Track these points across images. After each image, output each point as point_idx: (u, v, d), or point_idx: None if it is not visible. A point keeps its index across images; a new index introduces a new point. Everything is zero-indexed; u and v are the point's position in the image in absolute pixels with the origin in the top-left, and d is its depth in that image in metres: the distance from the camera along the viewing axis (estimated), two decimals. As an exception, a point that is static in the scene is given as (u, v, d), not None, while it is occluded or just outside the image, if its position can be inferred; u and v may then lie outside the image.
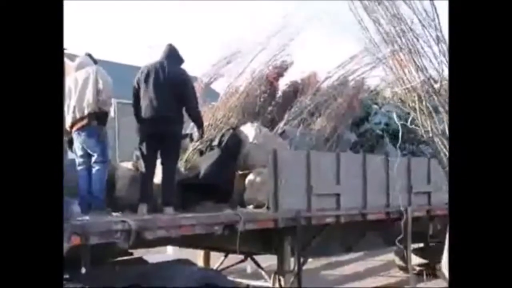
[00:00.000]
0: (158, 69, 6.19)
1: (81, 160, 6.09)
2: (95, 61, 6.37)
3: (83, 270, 4.51)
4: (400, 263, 10.37)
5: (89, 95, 6.01)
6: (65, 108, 6.06)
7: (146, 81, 6.17)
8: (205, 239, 5.93)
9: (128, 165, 6.86)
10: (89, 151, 6.05)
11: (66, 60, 4.53)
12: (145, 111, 6.14)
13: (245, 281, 7.48)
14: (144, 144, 6.19)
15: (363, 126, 8.16)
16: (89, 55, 6.38)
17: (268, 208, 6.08)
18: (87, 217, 4.94)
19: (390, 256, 10.79)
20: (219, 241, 6.13)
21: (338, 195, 6.79)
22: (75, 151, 6.16)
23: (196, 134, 6.64)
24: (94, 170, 6.01)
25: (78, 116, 6.03)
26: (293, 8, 7.99)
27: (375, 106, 8.35)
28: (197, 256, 7.71)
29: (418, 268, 9.81)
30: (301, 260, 6.40)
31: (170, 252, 8.98)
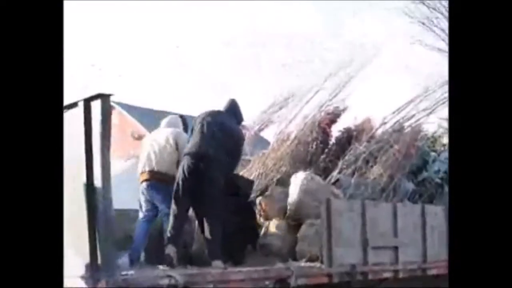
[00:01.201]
0: (217, 119, 6.13)
1: (145, 212, 6.09)
2: (185, 124, 6.60)
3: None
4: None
5: (171, 157, 6.19)
6: (144, 153, 6.22)
7: (202, 126, 6.05)
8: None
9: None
10: (157, 204, 6.06)
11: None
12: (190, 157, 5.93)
13: None
14: (179, 193, 5.89)
15: (421, 174, 7.76)
16: (181, 117, 6.69)
17: (321, 262, 5.75)
18: (132, 272, 4.72)
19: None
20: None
21: (395, 248, 6.41)
22: (140, 202, 6.18)
23: None
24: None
25: (156, 169, 6.10)
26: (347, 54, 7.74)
27: (433, 154, 7.96)
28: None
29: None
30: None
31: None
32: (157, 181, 6.15)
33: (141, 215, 6.16)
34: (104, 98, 4.45)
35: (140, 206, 6.22)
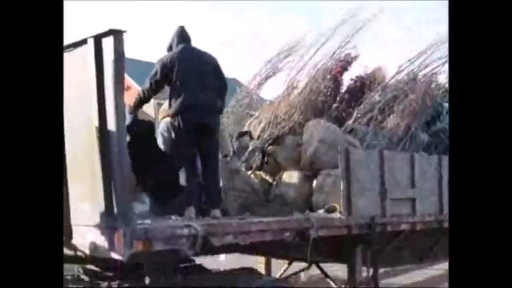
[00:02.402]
0: (194, 55, 5.59)
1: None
2: None
3: (147, 280, 4.02)
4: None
5: None
6: None
7: (179, 68, 5.42)
8: (271, 245, 5.38)
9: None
10: None
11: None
12: (182, 101, 5.37)
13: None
14: (181, 140, 5.43)
15: (434, 125, 7.49)
16: None
17: (340, 213, 5.52)
18: (148, 221, 4.44)
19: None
20: (284, 247, 5.61)
21: (413, 199, 6.20)
22: None
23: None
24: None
25: None
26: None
27: (446, 105, 7.66)
28: (253, 263, 7.19)
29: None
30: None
31: (222, 258, 8.46)
32: None
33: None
34: (117, 34, 4.09)
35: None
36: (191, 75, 5.41)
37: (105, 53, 4.14)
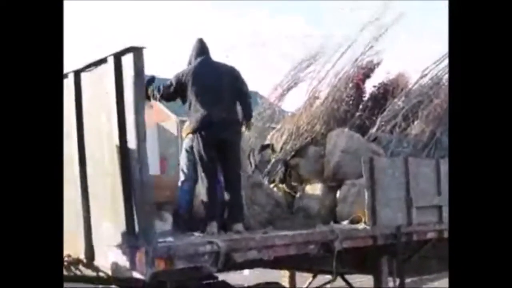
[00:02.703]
0: (211, 68, 5.55)
1: (187, 174, 5.74)
2: None
3: (170, 299, 4.00)
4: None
5: None
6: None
7: (195, 83, 5.41)
8: (295, 258, 5.32)
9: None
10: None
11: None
12: (200, 117, 5.34)
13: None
14: (203, 153, 5.37)
15: (460, 130, 7.35)
16: None
17: (365, 223, 5.44)
18: (170, 239, 4.42)
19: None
20: (308, 260, 5.55)
21: (439, 207, 6.07)
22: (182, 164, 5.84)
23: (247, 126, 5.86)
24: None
25: None
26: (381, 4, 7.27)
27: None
28: (277, 277, 7.13)
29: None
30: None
31: (246, 273, 8.40)
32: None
33: (182, 177, 5.78)
34: (137, 51, 4.08)
35: (182, 169, 5.83)
36: (207, 90, 5.39)
37: (124, 71, 4.15)
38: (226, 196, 5.45)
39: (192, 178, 5.64)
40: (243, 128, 5.82)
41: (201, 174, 5.42)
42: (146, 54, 4.10)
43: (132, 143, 4.08)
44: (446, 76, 7.21)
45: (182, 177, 5.75)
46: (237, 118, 5.59)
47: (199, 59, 5.58)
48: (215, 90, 5.41)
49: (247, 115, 5.76)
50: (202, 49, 5.68)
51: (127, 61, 4.11)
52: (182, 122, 6.09)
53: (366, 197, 5.40)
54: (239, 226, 5.26)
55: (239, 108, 5.69)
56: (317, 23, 51.37)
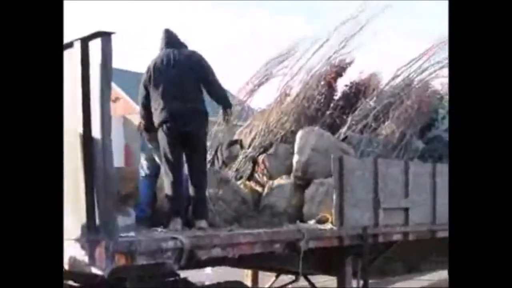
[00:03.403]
0: (168, 59, 5.30)
1: (147, 167, 5.62)
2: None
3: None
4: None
5: None
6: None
7: (157, 77, 5.27)
8: (260, 257, 5.22)
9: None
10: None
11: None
12: (162, 111, 5.20)
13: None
14: (167, 147, 5.20)
15: (430, 132, 7.35)
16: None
17: (332, 223, 5.37)
18: (132, 233, 4.27)
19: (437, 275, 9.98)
20: (273, 259, 5.46)
21: (406, 209, 6.05)
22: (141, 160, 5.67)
23: (226, 117, 5.65)
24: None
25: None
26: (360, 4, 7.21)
27: (441, 111, 7.53)
28: (240, 276, 7.03)
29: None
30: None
31: (208, 271, 8.28)
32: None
33: (142, 173, 5.63)
34: (105, 36, 3.91)
35: (141, 164, 5.69)
36: (167, 82, 5.22)
37: (92, 57, 3.97)
38: (191, 192, 5.29)
39: (152, 173, 5.53)
40: (223, 118, 5.69)
41: (165, 169, 5.25)
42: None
43: (96, 132, 3.93)
44: (418, 78, 7.21)
45: (141, 172, 5.62)
46: (203, 109, 5.35)
47: (159, 52, 5.43)
48: (174, 81, 5.21)
49: (222, 102, 5.55)
50: (165, 40, 5.47)
51: (95, 46, 3.95)
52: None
53: (334, 197, 5.34)
54: (202, 223, 5.10)
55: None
56: (317, 23, 51.35)
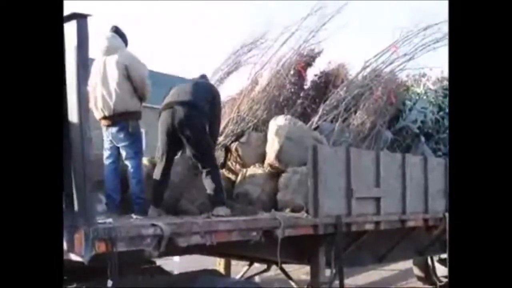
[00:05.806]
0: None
1: (108, 154, 5.51)
2: (126, 40, 5.62)
3: (110, 284, 3.76)
4: (420, 273, 9.73)
5: (122, 93, 5.33)
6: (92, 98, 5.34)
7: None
8: (236, 245, 5.17)
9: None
10: (119, 145, 5.42)
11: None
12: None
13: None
14: (165, 134, 5.46)
15: (398, 123, 7.43)
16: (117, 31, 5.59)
17: (306, 212, 5.36)
18: (110, 220, 4.16)
19: (401, 265, 10.15)
20: (249, 248, 5.42)
21: (378, 199, 6.09)
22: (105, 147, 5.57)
23: None
24: (130, 169, 5.40)
25: (106, 114, 5.40)
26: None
27: (408, 102, 7.62)
28: (213, 264, 6.98)
29: (444, 280, 9.20)
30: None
31: (176, 259, 8.19)
32: (121, 121, 5.45)
33: (107, 161, 5.51)
34: (81, 19, 3.79)
35: (105, 151, 5.56)
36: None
37: (67, 39, 3.84)
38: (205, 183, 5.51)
39: (115, 158, 5.49)
40: None
41: (159, 156, 5.45)
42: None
43: (73, 116, 3.80)
44: (386, 69, 7.26)
45: (105, 157, 5.54)
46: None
47: None
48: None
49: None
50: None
51: (70, 29, 3.82)
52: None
53: (309, 185, 5.33)
54: (221, 210, 5.28)
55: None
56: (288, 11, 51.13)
